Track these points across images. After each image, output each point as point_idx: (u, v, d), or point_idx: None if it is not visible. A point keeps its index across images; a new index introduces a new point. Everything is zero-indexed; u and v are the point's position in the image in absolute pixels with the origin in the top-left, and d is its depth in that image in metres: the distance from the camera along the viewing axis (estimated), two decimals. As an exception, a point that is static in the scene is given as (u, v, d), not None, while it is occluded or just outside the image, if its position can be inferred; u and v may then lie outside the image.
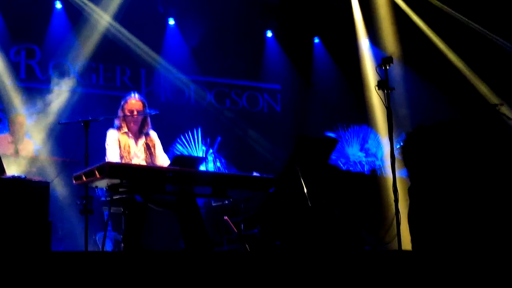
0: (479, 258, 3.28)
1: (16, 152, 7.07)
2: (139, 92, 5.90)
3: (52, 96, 8.21)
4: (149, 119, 5.74)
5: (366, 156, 10.48)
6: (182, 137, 9.11)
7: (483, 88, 9.84)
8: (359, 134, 10.52)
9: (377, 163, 10.33)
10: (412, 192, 3.71)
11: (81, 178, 4.85)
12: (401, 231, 5.32)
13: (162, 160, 5.72)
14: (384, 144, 10.08)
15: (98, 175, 4.70)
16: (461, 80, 9.97)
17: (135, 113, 5.59)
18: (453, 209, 3.45)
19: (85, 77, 8.81)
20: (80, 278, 3.03)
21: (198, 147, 9.06)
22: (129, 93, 5.75)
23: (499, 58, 9.71)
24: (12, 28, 8.49)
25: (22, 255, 3.11)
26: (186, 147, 9.10)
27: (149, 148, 5.67)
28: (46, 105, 8.13)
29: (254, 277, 3.33)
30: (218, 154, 8.35)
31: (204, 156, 7.65)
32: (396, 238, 5.38)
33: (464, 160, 3.47)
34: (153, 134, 5.78)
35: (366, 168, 10.34)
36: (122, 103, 5.69)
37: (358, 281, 3.33)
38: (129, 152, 5.54)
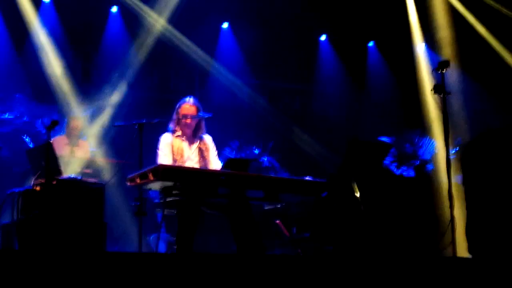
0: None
1: (72, 154, 7.20)
2: (194, 96, 5.93)
3: (107, 99, 8.36)
4: (203, 123, 5.76)
5: (419, 161, 10.30)
6: (235, 140, 9.13)
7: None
8: (413, 139, 10.36)
9: (430, 168, 10.14)
10: (470, 200, 3.63)
11: (135, 180, 4.91)
12: (455, 237, 5.21)
13: (215, 165, 5.72)
14: (438, 149, 9.89)
15: (151, 177, 4.74)
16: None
17: (189, 117, 5.63)
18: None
19: (140, 81, 8.93)
20: (134, 278, 3.06)
21: (251, 150, 9.07)
22: (184, 98, 5.78)
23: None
24: (70, 32, 8.68)
25: (78, 255, 3.16)
26: (239, 150, 9.12)
27: (202, 152, 5.69)
28: (102, 107, 8.28)
29: (306, 281, 3.31)
30: (271, 158, 8.34)
31: (256, 159, 7.65)
32: (452, 245, 5.28)
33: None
34: (207, 138, 5.80)
35: (418, 173, 10.16)
36: (176, 107, 5.73)
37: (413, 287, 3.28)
38: (182, 156, 5.58)
